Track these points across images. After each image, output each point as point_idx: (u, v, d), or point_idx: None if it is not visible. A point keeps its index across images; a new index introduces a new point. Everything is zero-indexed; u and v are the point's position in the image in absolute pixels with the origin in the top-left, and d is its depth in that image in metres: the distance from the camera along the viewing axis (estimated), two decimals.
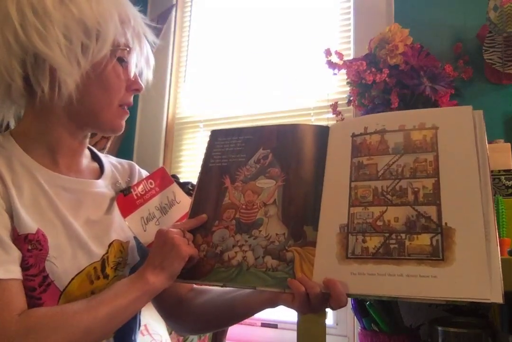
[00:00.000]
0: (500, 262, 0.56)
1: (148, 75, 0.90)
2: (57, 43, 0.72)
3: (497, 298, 0.54)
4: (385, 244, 0.63)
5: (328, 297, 0.64)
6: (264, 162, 0.80)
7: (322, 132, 0.78)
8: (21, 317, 0.66)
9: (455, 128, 0.68)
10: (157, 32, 1.88)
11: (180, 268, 0.73)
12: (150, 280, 0.72)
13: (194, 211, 0.82)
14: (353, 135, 0.75)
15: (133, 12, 0.83)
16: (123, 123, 0.85)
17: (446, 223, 0.62)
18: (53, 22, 0.72)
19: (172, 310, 0.92)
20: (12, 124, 0.86)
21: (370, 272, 0.63)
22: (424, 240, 0.62)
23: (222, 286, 0.72)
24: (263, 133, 0.83)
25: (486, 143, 0.65)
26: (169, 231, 0.75)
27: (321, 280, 0.65)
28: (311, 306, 0.66)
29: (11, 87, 0.76)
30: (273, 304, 0.76)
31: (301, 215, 0.72)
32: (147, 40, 0.87)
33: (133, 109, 0.87)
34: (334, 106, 1.61)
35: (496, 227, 0.59)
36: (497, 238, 0.58)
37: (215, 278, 0.72)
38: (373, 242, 0.64)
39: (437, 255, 0.60)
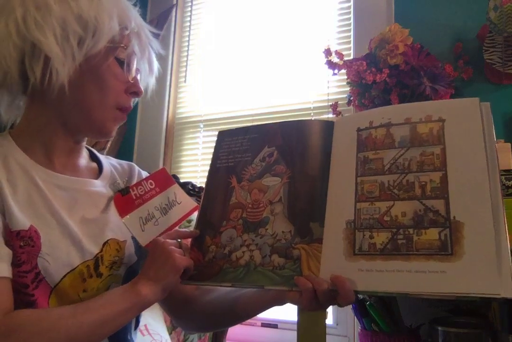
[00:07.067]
0: (510, 256, 0.56)
1: (150, 81, 0.90)
2: (53, 33, 0.75)
3: (508, 292, 0.53)
4: (393, 240, 0.63)
5: (335, 294, 0.64)
6: (270, 160, 0.79)
7: (327, 128, 0.78)
8: (4, 318, 0.66)
9: (462, 120, 0.67)
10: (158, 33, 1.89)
11: (174, 280, 0.73)
12: (143, 292, 0.71)
13: (202, 212, 0.82)
14: (359, 130, 0.74)
15: (138, 19, 0.85)
16: (115, 127, 0.85)
17: (454, 217, 0.60)
18: (51, 14, 0.75)
19: (179, 309, 0.92)
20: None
21: (378, 268, 0.62)
22: (432, 234, 0.61)
23: (230, 286, 0.72)
24: (268, 131, 0.83)
25: (494, 136, 0.64)
26: (165, 241, 0.75)
27: (328, 277, 0.64)
28: (319, 303, 0.65)
29: (7, 75, 0.77)
30: (280, 302, 0.76)
31: (307, 211, 0.71)
32: (152, 49, 0.88)
33: (133, 109, 0.86)
34: (334, 106, 1.61)
35: (506, 220, 0.58)
36: (507, 231, 0.57)
37: (223, 279, 0.72)
38: (381, 238, 0.63)
39: (446, 249, 0.59)
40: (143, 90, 0.86)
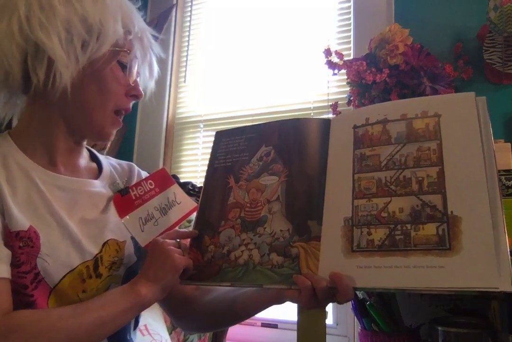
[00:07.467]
0: (508, 250, 0.55)
1: (149, 84, 0.91)
2: (58, 35, 0.74)
3: (506, 286, 0.53)
4: (391, 236, 0.62)
5: (334, 291, 0.64)
6: (267, 159, 0.79)
7: (324, 126, 0.78)
8: (4, 318, 0.66)
9: (458, 115, 0.67)
10: (159, 32, 1.90)
11: (174, 280, 0.73)
12: (142, 292, 0.71)
13: (201, 212, 0.82)
14: (355, 127, 0.74)
15: (141, 23, 0.85)
16: (113, 132, 0.85)
17: (452, 212, 0.60)
18: (56, 16, 0.74)
19: (179, 309, 0.92)
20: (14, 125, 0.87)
21: (376, 264, 0.62)
22: (430, 229, 0.60)
23: (230, 286, 0.72)
24: (265, 131, 0.83)
25: (491, 130, 0.64)
26: (164, 242, 0.75)
27: (327, 275, 0.64)
28: (318, 301, 0.65)
29: (9, 75, 0.77)
30: (279, 300, 0.76)
31: (305, 209, 0.71)
32: (153, 53, 0.88)
33: (133, 109, 0.87)
34: (334, 106, 1.61)
35: (503, 214, 0.57)
36: (505, 225, 0.56)
37: (222, 278, 0.72)
38: (379, 234, 0.63)
39: (444, 244, 0.58)
40: (143, 93, 0.86)
